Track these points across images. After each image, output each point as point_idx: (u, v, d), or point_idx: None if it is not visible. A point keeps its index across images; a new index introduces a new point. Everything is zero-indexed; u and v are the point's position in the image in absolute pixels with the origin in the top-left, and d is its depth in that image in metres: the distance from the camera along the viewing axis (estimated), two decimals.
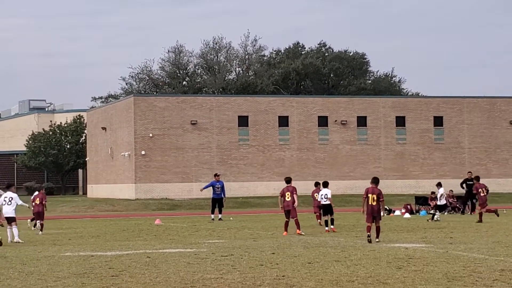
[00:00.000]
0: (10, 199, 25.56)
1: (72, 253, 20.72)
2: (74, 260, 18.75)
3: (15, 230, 25.41)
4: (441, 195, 36.84)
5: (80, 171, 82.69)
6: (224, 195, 37.68)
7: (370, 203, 23.23)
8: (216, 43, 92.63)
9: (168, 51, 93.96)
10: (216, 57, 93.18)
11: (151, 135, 61.47)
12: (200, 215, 44.34)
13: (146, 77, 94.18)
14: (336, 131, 65.14)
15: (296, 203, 26.91)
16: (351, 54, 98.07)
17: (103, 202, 58.90)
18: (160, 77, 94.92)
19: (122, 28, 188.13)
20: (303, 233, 26.58)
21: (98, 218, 44.13)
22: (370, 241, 22.52)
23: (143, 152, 61.23)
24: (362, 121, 65.65)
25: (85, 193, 76.70)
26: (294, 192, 27.02)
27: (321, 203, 29.23)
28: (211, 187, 38.02)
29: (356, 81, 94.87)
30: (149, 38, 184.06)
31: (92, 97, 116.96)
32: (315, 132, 64.81)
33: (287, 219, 27.00)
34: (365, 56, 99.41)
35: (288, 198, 26.87)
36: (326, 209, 28.84)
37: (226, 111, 63.39)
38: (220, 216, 37.19)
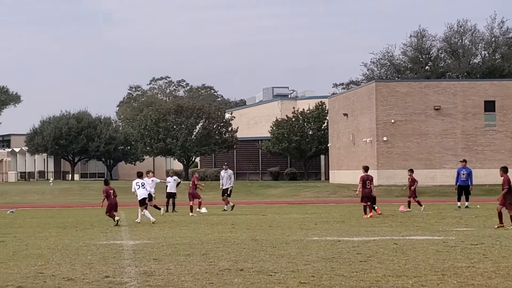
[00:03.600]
0: (142, 183, 28.89)
1: (319, 237, 20.94)
2: (321, 244, 18.92)
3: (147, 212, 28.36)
4: None
5: (322, 157, 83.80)
6: (471, 182, 36.61)
7: None
8: (460, 26, 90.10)
9: (410, 35, 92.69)
10: (460, 40, 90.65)
11: (393, 121, 60.99)
12: (445, 202, 43.38)
13: (388, 62, 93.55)
14: None
15: None
16: None
17: (345, 188, 59.29)
18: (402, 62, 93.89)
19: (365, 14, 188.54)
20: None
21: (341, 203, 44.46)
22: None
23: (385, 138, 60.92)
24: None
25: (327, 178, 77.67)
26: None
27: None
28: (456, 174, 37.17)
29: None
30: (391, 23, 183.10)
31: (333, 84, 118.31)
32: None
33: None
34: None
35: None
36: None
37: (471, 95, 61.50)
38: (466, 203, 36.17)
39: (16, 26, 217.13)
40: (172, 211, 35.58)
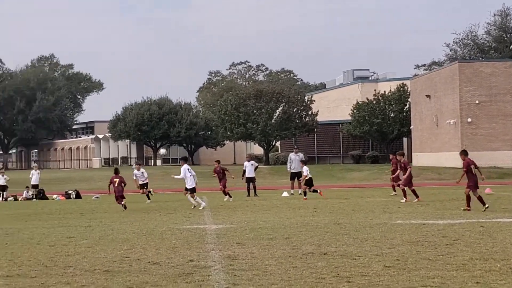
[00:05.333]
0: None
1: (403, 221, 20.67)
2: (406, 227, 18.66)
3: (198, 199, 28.16)
4: None
5: (405, 139, 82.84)
6: None
7: None
8: None
9: (494, 14, 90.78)
10: None
11: (477, 101, 59.84)
12: None
13: (471, 42, 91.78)
14: None
15: None
16: None
17: (429, 170, 58.52)
18: (486, 42, 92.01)
19: None
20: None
21: (425, 186, 43.83)
22: None
23: (469, 120, 59.85)
24: None
25: (410, 161, 76.73)
26: None
27: None
28: None
29: None
30: (474, 2, 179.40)
31: (415, 65, 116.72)
32: None
33: None
34: None
35: None
36: None
37: None
38: None
39: (98, 13, 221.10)
40: (254, 195, 35.64)
